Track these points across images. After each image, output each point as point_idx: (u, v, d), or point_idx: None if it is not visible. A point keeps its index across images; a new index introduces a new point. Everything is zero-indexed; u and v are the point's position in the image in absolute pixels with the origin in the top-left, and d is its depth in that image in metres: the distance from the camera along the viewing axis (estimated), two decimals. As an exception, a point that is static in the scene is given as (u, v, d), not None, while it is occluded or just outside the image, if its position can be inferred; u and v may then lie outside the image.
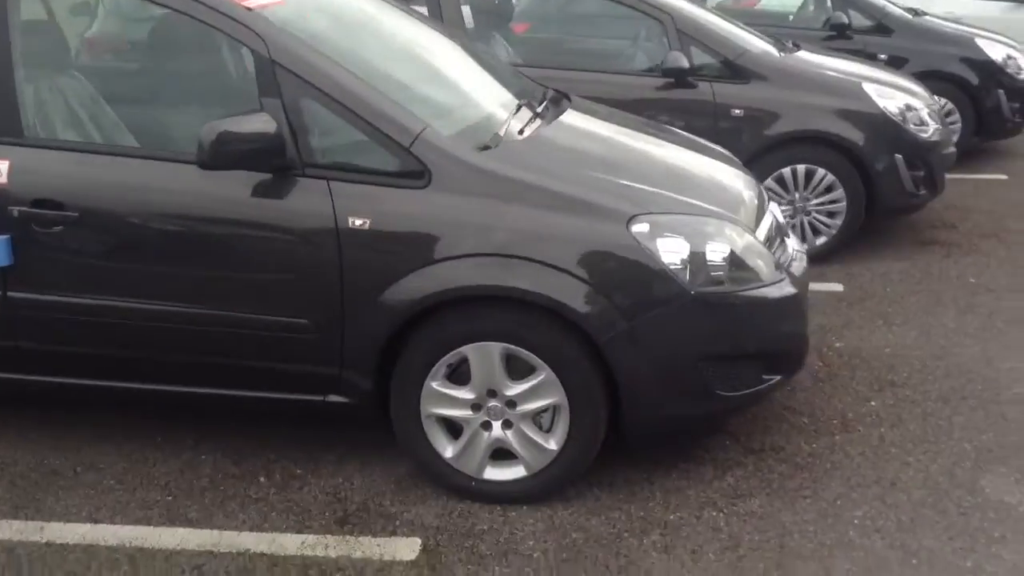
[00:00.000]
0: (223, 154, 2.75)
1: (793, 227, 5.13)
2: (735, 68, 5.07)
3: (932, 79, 6.53)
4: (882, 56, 6.77)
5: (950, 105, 6.96)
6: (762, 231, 3.26)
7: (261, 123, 2.79)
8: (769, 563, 2.77)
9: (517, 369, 2.93)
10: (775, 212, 3.58)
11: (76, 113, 3.18)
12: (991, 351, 4.11)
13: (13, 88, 3.01)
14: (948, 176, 5.55)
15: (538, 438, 2.99)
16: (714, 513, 3.02)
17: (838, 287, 4.90)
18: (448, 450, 3.04)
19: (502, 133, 3.16)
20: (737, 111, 5.03)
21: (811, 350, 3.57)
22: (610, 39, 5.82)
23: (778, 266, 3.15)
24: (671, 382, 2.94)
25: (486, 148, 3.03)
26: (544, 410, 2.97)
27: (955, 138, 6.23)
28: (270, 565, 2.79)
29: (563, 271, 2.83)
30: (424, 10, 5.08)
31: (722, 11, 6.34)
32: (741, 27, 5.55)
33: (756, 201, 3.45)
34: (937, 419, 3.56)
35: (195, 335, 3.03)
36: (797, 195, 5.13)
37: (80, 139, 3.18)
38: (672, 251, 2.89)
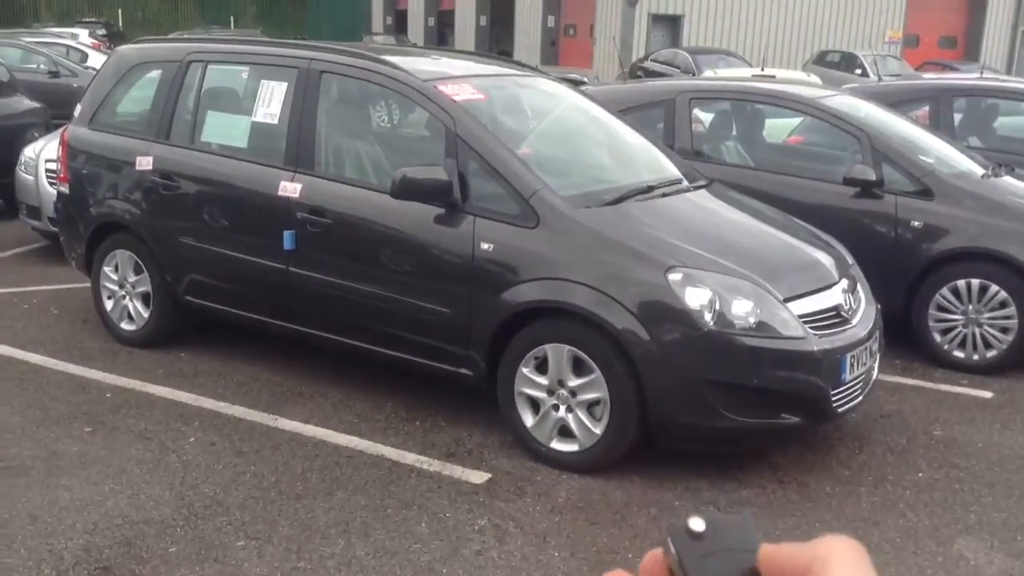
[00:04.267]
0: (404, 190, 4.21)
1: (964, 337, 5.54)
2: (921, 185, 5.63)
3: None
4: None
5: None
6: (806, 302, 4.04)
7: (435, 172, 4.22)
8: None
9: (582, 367, 4.03)
10: (851, 293, 4.30)
11: (349, 157, 4.84)
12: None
13: (313, 141, 4.75)
14: None
15: (589, 423, 4.04)
16: (711, 509, 3.84)
17: (987, 394, 5.23)
18: (529, 421, 4.19)
19: (608, 198, 4.30)
20: (916, 223, 5.59)
21: (913, 432, 4.22)
22: (815, 148, 6.57)
23: (802, 327, 3.93)
24: (683, 396, 3.87)
25: (587, 207, 4.20)
26: (596, 402, 4.02)
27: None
28: (391, 466, 4.13)
29: (613, 299, 3.90)
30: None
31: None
32: (952, 145, 6.05)
33: (817, 280, 4.21)
34: (964, 496, 4.01)
35: (385, 311, 4.49)
36: (970, 307, 5.52)
37: (337, 173, 4.79)
38: (696, 297, 3.84)
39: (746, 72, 12.41)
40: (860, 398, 4.24)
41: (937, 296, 5.59)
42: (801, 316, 4.00)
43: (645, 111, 6.55)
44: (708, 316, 3.83)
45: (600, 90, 6.95)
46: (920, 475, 4.21)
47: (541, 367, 4.13)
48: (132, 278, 5.46)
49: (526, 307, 4.10)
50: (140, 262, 5.40)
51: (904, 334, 5.71)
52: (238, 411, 4.64)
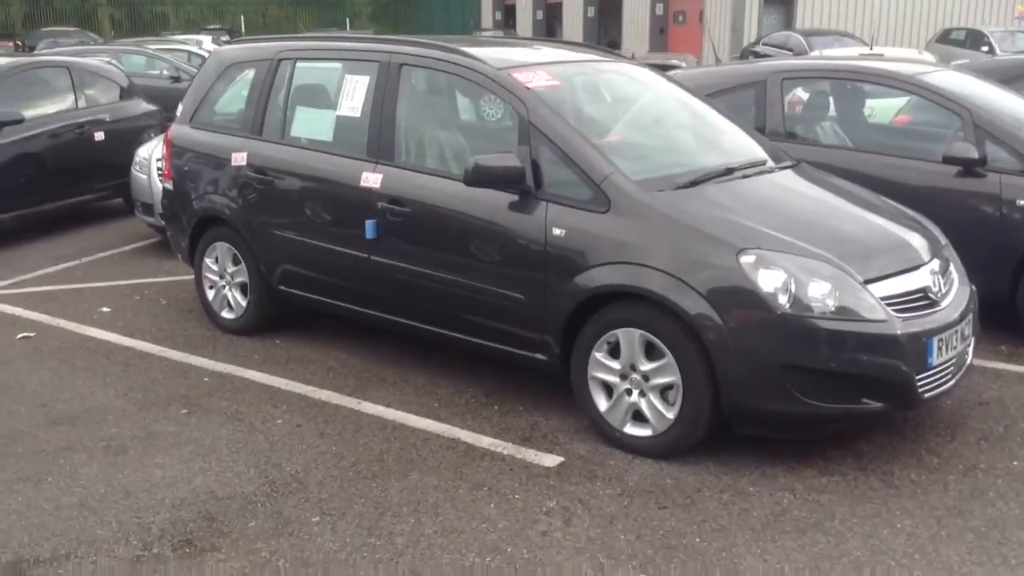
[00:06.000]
0: (477, 178, 4.26)
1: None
2: (1027, 162, 5.35)
3: None
4: None
5: None
6: (890, 283, 3.91)
7: (507, 160, 4.26)
8: (786, 542, 3.50)
9: (654, 352, 4.00)
10: (941, 275, 4.14)
11: (427, 146, 4.91)
12: None
13: (393, 132, 4.85)
14: None
15: (662, 407, 4.01)
16: (790, 496, 3.76)
17: (1099, 382, 4.95)
18: (603, 405, 4.19)
19: (682, 182, 4.25)
20: (1022, 202, 5.32)
21: (1012, 420, 4.23)
22: (915, 127, 6.30)
23: (884, 310, 3.80)
24: (757, 380, 3.79)
25: (660, 191, 4.16)
26: (669, 387, 3.99)
27: None
28: (466, 449, 4.19)
29: (684, 283, 3.86)
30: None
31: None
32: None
33: (903, 261, 4.06)
34: (1062, 485, 3.81)
35: (461, 298, 4.55)
36: (1080, 289, 5.23)
37: (415, 163, 4.84)
38: (770, 279, 3.76)
39: (854, 52, 11.97)
40: (950, 383, 4.07)
41: (1045, 279, 5.31)
42: (884, 298, 3.87)
43: (737, 93, 6.43)
44: (783, 299, 3.75)
45: (692, 73, 6.85)
46: (1015, 463, 4.02)
47: (614, 352, 4.12)
48: (231, 269, 5.70)
49: (597, 291, 4.09)
50: (238, 253, 5.63)
51: (1013, 318, 5.46)
52: (324, 395, 4.79)
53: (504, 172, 4.26)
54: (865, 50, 13.29)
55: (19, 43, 30.46)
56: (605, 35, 34.12)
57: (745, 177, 4.54)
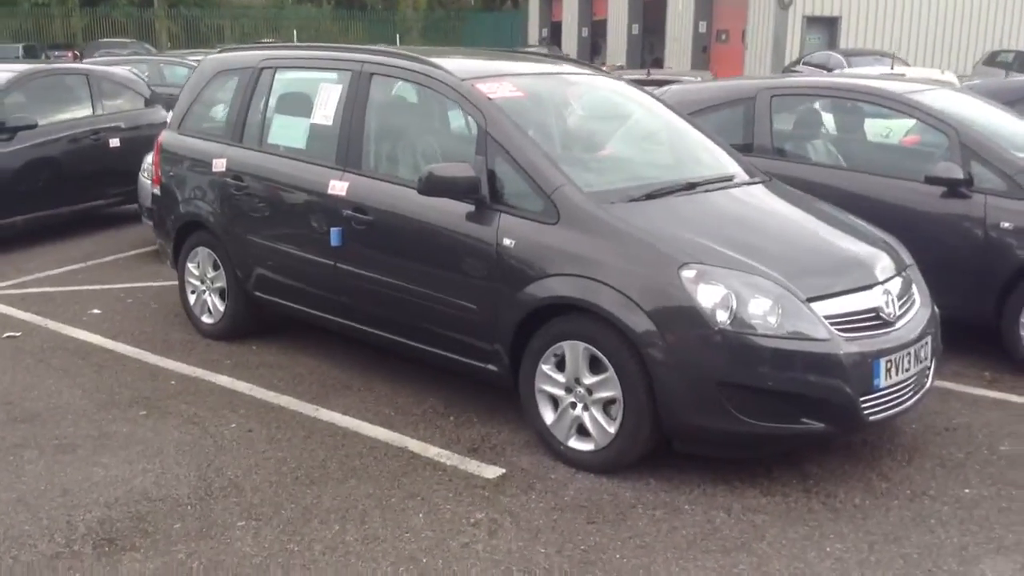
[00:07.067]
0: (430, 186, 4.26)
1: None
2: (1013, 183, 5.21)
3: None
4: None
5: None
6: (837, 302, 3.82)
7: (461, 170, 4.26)
8: (706, 562, 3.43)
9: (599, 365, 3.95)
10: (900, 296, 4.05)
11: (391, 155, 4.93)
12: None
13: (361, 140, 4.88)
14: None
15: (604, 422, 3.96)
16: (723, 515, 3.69)
17: (1079, 410, 4.78)
18: (549, 418, 4.15)
19: (636, 195, 4.21)
20: (1007, 224, 5.18)
21: (976, 447, 4.16)
22: (905, 146, 6.17)
23: (827, 329, 3.72)
24: (694, 396, 3.73)
25: (611, 203, 4.12)
26: (612, 401, 3.94)
27: None
28: (411, 458, 4.18)
29: (625, 296, 3.82)
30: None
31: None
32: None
33: (854, 280, 3.96)
34: (1010, 515, 3.68)
35: (419, 306, 4.55)
36: (1066, 314, 5.06)
37: (380, 171, 4.84)
38: (709, 295, 3.70)
39: (876, 71, 11.81)
40: (903, 406, 3.97)
41: (1030, 303, 5.16)
42: (829, 317, 3.79)
43: (728, 109, 6.38)
44: (722, 315, 3.68)
45: (684, 89, 6.79)
46: (967, 491, 3.89)
47: (561, 364, 4.08)
48: (211, 274, 5.77)
49: (544, 303, 4.06)
50: (217, 259, 5.70)
51: (998, 344, 5.31)
52: (285, 400, 4.82)
53: (457, 182, 4.26)
54: (897, 69, 13.09)
55: (76, 53, 31.27)
56: (651, 53, 34.07)
57: (706, 192, 4.48)
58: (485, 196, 4.28)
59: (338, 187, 4.87)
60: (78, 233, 8.80)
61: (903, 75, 9.73)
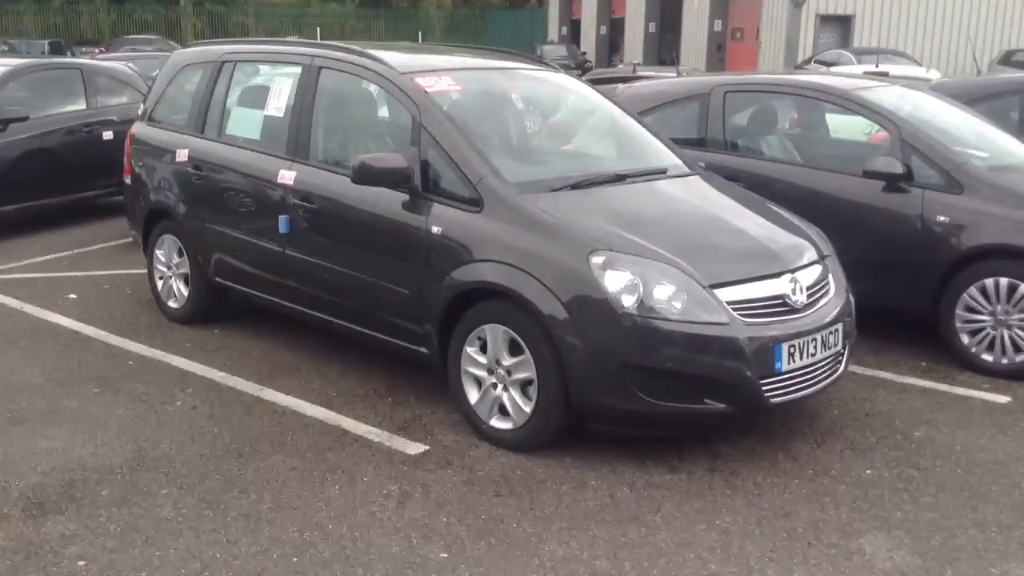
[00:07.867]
0: (363, 176, 4.45)
1: (993, 340, 5.19)
2: (950, 178, 5.31)
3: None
4: None
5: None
6: (741, 288, 3.97)
7: (392, 160, 4.44)
8: (598, 531, 3.59)
9: (517, 348, 4.12)
10: (815, 284, 4.20)
11: (335, 146, 5.13)
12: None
13: (309, 132, 5.08)
14: None
15: (521, 402, 4.13)
16: (625, 490, 3.84)
17: (1003, 399, 4.87)
18: (474, 398, 4.32)
19: (558, 185, 4.37)
20: (943, 218, 5.28)
21: (890, 432, 4.29)
22: (846, 141, 6.28)
23: (728, 313, 3.87)
24: (600, 377, 3.89)
25: (532, 193, 4.28)
26: (529, 382, 4.10)
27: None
28: (341, 435, 4.37)
29: (539, 281, 3.98)
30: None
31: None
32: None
33: (761, 268, 4.10)
34: (902, 495, 3.81)
35: (356, 290, 4.75)
36: (999, 307, 5.16)
37: (324, 162, 5.03)
38: (616, 280, 3.86)
39: (859, 70, 11.83)
40: (809, 390, 4.11)
41: (964, 296, 5.26)
42: (733, 303, 3.94)
43: (684, 105, 6.53)
44: (628, 299, 3.84)
45: (644, 84, 6.93)
46: (868, 472, 4.02)
47: (484, 347, 4.25)
48: (176, 260, 5.99)
49: (466, 288, 4.24)
50: (181, 246, 5.92)
51: (935, 335, 5.42)
52: (233, 381, 5.02)
53: (389, 171, 4.44)
54: (890, 68, 13.12)
55: (102, 49, 31.79)
56: (669, 51, 34.11)
57: (633, 183, 4.63)
58: (417, 185, 4.46)
59: (287, 176, 5.06)
60: (70, 223, 9.06)
61: (886, 73, 9.79)
